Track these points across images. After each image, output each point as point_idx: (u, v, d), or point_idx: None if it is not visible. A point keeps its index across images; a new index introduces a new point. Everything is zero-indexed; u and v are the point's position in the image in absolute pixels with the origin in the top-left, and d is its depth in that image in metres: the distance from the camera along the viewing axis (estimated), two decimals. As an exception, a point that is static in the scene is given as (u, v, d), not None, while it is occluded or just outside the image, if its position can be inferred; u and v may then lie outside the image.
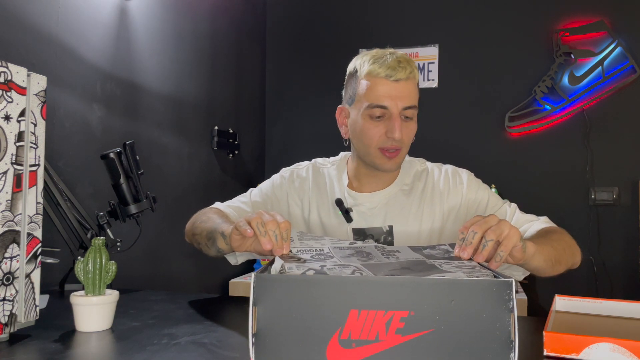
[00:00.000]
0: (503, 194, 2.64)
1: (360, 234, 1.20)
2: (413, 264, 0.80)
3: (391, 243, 1.18)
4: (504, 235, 0.82)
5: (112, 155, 1.34)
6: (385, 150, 1.14)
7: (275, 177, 1.33)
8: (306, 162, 1.35)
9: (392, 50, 1.18)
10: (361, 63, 1.16)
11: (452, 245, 0.90)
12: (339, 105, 1.25)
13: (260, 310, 0.63)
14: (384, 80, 1.11)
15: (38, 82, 0.86)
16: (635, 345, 0.69)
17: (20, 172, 0.83)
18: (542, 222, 1.18)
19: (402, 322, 0.62)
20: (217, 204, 1.29)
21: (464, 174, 1.25)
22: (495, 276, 0.71)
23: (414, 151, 1.29)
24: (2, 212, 0.80)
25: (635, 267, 2.59)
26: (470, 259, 0.82)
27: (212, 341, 0.82)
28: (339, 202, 1.22)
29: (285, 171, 1.34)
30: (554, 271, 1.03)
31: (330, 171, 1.30)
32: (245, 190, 1.35)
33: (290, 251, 0.85)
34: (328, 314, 0.63)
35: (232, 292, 2.60)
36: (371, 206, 1.21)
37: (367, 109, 1.13)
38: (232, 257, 1.19)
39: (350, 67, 1.20)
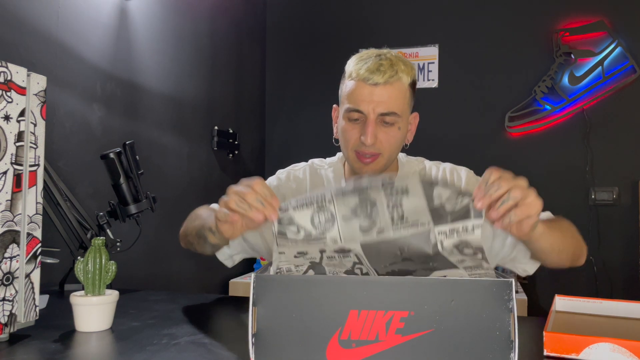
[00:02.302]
0: (503, 194, 2.63)
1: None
2: (416, 251, 0.74)
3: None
4: (527, 202, 0.76)
5: (112, 155, 1.34)
6: (360, 154, 1.11)
7: (271, 179, 1.32)
8: (303, 163, 1.33)
9: (384, 51, 1.14)
10: (349, 62, 1.14)
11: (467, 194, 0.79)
12: (334, 105, 1.25)
13: (260, 310, 0.63)
14: (362, 84, 1.08)
15: (38, 82, 0.86)
16: (635, 345, 0.69)
17: (20, 172, 0.83)
18: (547, 214, 1.15)
19: (402, 322, 0.62)
20: (213, 205, 1.28)
21: (463, 171, 1.24)
22: (496, 274, 0.71)
23: (414, 151, 1.29)
24: (2, 212, 0.80)
25: (635, 267, 2.59)
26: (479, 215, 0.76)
27: (212, 341, 0.82)
28: None
29: (281, 173, 1.32)
30: (558, 259, 0.98)
31: (328, 173, 1.28)
32: (245, 191, 1.35)
33: (288, 208, 0.78)
34: (328, 314, 0.63)
35: (232, 292, 2.60)
36: None
37: (346, 111, 1.11)
38: (229, 260, 1.19)
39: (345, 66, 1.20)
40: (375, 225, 0.75)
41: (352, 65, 1.12)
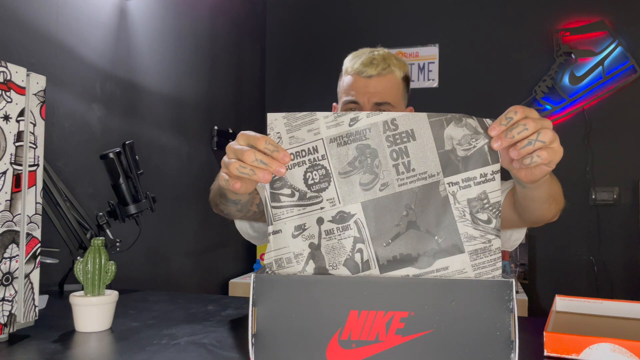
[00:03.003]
0: (503, 194, 2.63)
1: None
2: (424, 209, 0.68)
3: None
4: (553, 146, 0.68)
5: (111, 155, 1.33)
6: None
7: None
8: None
9: (376, 48, 1.22)
10: (345, 61, 1.22)
11: (482, 122, 0.72)
12: (334, 103, 1.30)
13: (260, 310, 0.63)
14: (357, 77, 1.16)
15: (37, 82, 0.86)
16: (635, 346, 0.69)
17: (20, 172, 0.83)
18: None
19: (402, 323, 0.62)
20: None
21: None
22: (499, 274, 0.71)
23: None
24: (1, 212, 0.80)
25: (636, 267, 2.59)
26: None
27: (211, 341, 0.82)
28: None
29: None
30: (548, 210, 0.95)
31: None
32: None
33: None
34: (328, 314, 0.63)
35: (232, 292, 2.60)
36: None
37: (343, 104, 1.18)
38: (257, 239, 1.22)
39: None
40: (377, 179, 0.68)
41: (348, 62, 1.20)
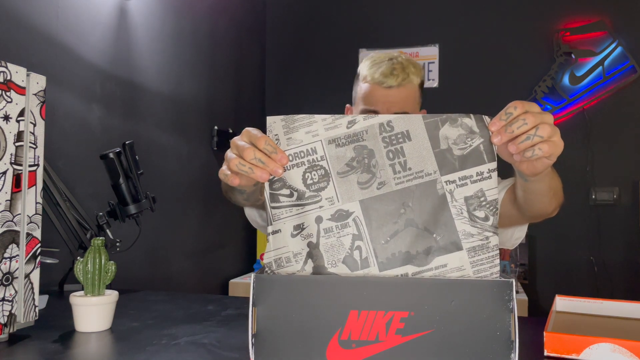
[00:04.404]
0: (503, 194, 2.63)
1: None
2: (422, 207, 0.69)
3: None
4: (554, 139, 0.69)
5: (111, 155, 1.33)
6: None
7: None
8: None
9: (395, 54, 1.21)
10: (363, 66, 1.21)
11: (479, 120, 0.73)
12: (347, 105, 1.29)
13: (260, 310, 0.63)
14: (377, 86, 1.16)
15: (37, 82, 0.86)
16: (635, 346, 0.69)
17: (20, 172, 0.83)
18: None
19: (402, 323, 0.62)
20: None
21: None
22: (497, 270, 0.71)
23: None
24: (1, 212, 0.80)
25: (636, 267, 2.59)
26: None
27: (211, 341, 0.82)
28: None
29: None
30: (549, 203, 0.96)
31: None
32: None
33: None
34: (328, 314, 0.63)
35: (232, 292, 2.60)
36: None
37: (362, 112, 1.17)
38: (265, 229, 1.20)
39: (358, 68, 1.25)
40: (374, 179, 0.70)
41: (367, 69, 1.19)
